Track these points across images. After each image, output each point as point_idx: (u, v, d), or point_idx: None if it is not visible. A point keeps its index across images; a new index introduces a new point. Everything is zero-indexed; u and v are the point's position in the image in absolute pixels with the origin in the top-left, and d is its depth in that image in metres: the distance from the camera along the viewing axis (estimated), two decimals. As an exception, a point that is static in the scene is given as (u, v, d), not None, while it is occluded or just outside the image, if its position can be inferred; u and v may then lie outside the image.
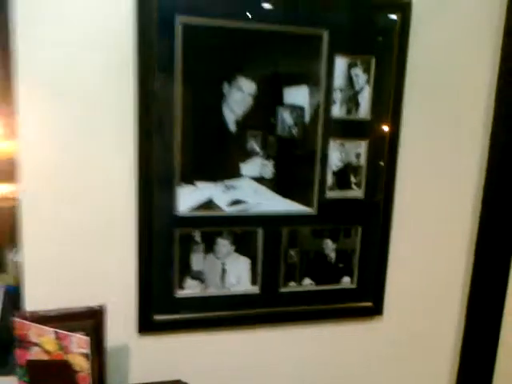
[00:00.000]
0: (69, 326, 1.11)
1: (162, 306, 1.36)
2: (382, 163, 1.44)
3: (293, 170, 1.38)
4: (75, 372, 1.08)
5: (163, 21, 1.22)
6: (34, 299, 1.25)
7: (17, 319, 1.10)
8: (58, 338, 1.07)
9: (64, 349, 1.08)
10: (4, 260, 1.49)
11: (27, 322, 1.08)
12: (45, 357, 1.09)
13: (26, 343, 1.10)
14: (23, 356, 1.11)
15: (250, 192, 1.36)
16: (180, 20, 1.23)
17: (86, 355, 1.07)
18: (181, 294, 1.37)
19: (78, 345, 1.06)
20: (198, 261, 1.36)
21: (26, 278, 1.26)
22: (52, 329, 1.07)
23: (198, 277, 1.38)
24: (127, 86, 1.24)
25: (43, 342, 1.08)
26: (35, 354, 1.09)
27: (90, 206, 1.27)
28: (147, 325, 1.36)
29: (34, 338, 1.09)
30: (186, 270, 1.36)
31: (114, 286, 1.32)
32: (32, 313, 1.12)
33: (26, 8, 1.15)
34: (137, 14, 1.21)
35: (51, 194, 1.24)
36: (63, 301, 1.23)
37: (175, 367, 1.41)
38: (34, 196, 1.23)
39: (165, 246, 1.33)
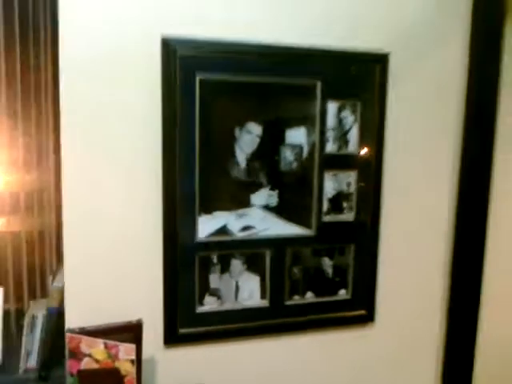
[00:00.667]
0: (112, 338, 1.31)
1: (185, 320, 1.56)
2: (369, 189, 1.68)
3: (294, 199, 1.61)
4: (122, 377, 1.28)
5: (184, 77, 1.46)
6: (75, 318, 1.44)
7: (69, 334, 1.29)
8: (107, 347, 1.27)
9: (112, 357, 1.27)
10: (45, 285, 1.67)
11: (79, 336, 1.28)
12: (95, 365, 1.28)
13: (77, 354, 1.29)
14: (75, 366, 1.30)
15: (258, 219, 1.58)
16: (198, 76, 1.47)
17: (132, 361, 1.27)
18: (201, 309, 1.57)
19: (125, 352, 1.26)
20: (215, 279, 1.58)
21: (67, 300, 1.45)
22: (102, 340, 1.26)
23: (216, 293, 1.58)
24: (155, 132, 1.46)
25: (94, 352, 1.27)
26: (86, 364, 1.28)
27: (122, 236, 1.48)
28: (173, 337, 1.55)
29: (85, 350, 1.28)
30: (205, 288, 1.57)
31: (143, 303, 1.52)
32: (82, 328, 1.31)
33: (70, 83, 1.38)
34: (162, 71, 1.44)
35: (90, 228, 1.44)
36: (100, 318, 1.42)
37: (198, 375, 1.60)
38: (75, 231, 1.43)
39: (187, 268, 1.54)
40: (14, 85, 1.65)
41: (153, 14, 1.44)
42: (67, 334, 1.29)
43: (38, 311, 1.51)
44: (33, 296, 1.73)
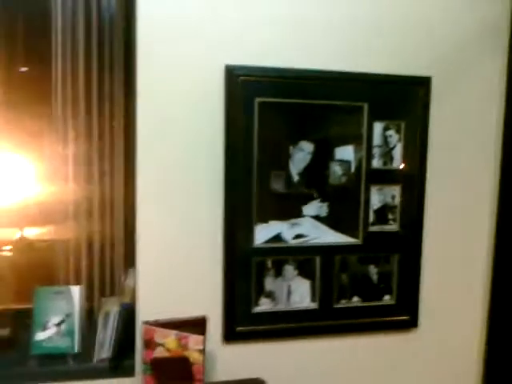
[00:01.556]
0: (181, 330, 1.48)
1: (242, 319, 1.72)
2: (412, 202, 1.81)
3: (342, 210, 1.76)
4: (192, 365, 1.44)
5: (245, 100, 1.64)
6: (145, 312, 1.62)
7: (145, 326, 1.46)
8: (178, 338, 1.44)
9: (183, 347, 1.44)
10: (114, 284, 1.87)
11: (154, 327, 1.45)
12: (167, 354, 1.45)
13: (151, 344, 1.46)
14: (149, 355, 1.47)
15: (309, 228, 1.74)
16: (257, 99, 1.65)
17: (200, 351, 1.43)
18: (256, 309, 1.73)
19: (194, 343, 1.43)
20: (269, 282, 1.73)
21: (139, 297, 1.63)
22: (175, 331, 1.43)
23: (270, 295, 1.74)
24: (218, 148, 1.65)
25: (166, 342, 1.44)
26: (159, 353, 1.45)
27: (188, 242, 1.66)
28: (231, 335, 1.71)
29: (158, 340, 1.45)
30: (260, 290, 1.72)
31: (204, 303, 1.68)
32: (156, 321, 1.49)
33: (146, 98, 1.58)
34: (225, 95, 1.63)
35: (160, 234, 1.63)
36: (167, 313, 1.59)
37: (253, 370, 1.74)
38: (147, 236, 1.62)
39: (244, 271, 1.70)
40: (90, 103, 1.87)
41: (216, 45, 1.63)
42: (143, 326, 1.47)
43: (111, 307, 1.69)
44: (102, 294, 1.92)
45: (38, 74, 1.95)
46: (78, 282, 1.88)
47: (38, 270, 2.00)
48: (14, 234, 2.02)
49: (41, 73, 1.92)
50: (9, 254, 2.03)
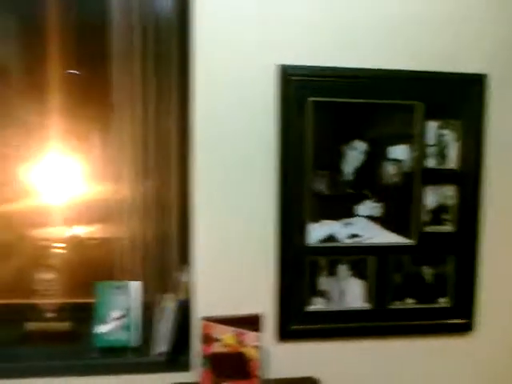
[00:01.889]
0: (238, 327, 1.51)
1: (295, 317, 1.73)
2: (468, 202, 1.78)
3: (396, 210, 1.75)
4: (248, 361, 1.47)
5: (297, 99, 1.66)
6: (201, 309, 1.66)
7: (204, 321, 1.50)
8: (236, 334, 1.47)
9: (240, 343, 1.47)
10: (172, 280, 1.92)
11: (212, 323, 1.49)
12: (225, 350, 1.48)
13: (209, 340, 1.50)
14: (207, 350, 1.51)
15: (363, 228, 1.74)
16: (310, 98, 1.67)
17: (256, 347, 1.46)
18: (310, 308, 1.74)
19: (251, 339, 1.45)
20: (322, 282, 1.74)
21: (196, 293, 1.68)
22: (232, 327, 1.46)
23: (323, 295, 1.74)
24: (272, 148, 1.68)
25: (224, 338, 1.48)
26: (217, 348, 1.49)
27: (243, 240, 1.69)
28: (285, 333, 1.73)
29: (216, 335, 1.49)
30: (314, 289, 1.74)
31: (258, 300, 1.71)
32: (213, 317, 1.52)
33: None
34: (280, 94, 1.65)
35: (215, 233, 1.67)
36: (222, 310, 1.63)
37: (307, 368, 1.76)
38: (203, 235, 1.66)
39: (298, 270, 1.72)
40: (148, 99, 1.92)
41: (268, 45, 1.66)
42: (202, 322, 1.50)
43: (167, 303, 1.74)
44: (156, 290, 1.96)
45: (92, 75, 2.03)
46: (131, 279, 1.93)
47: (91, 266, 2.07)
48: (66, 232, 2.10)
49: (96, 75, 2.00)
50: (62, 250, 2.11)
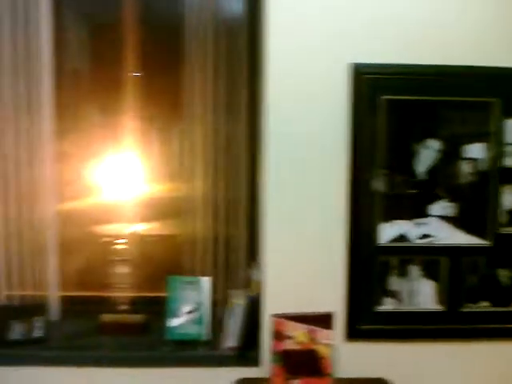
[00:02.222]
0: (309, 324, 1.51)
1: (365, 317, 1.72)
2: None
3: (471, 210, 1.70)
4: (320, 358, 1.47)
5: (370, 98, 1.65)
6: (271, 305, 1.68)
7: (275, 318, 1.52)
8: (308, 332, 1.48)
9: (312, 340, 1.47)
10: (241, 277, 1.96)
11: (284, 320, 1.50)
12: (297, 347, 1.49)
13: (281, 336, 1.51)
14: (278, 346, 1.52)
15: (435, 228, 1.70)
16: (383, 96, 1.65)
17: (328, 345, 1.46)
18: (380, 308, 1.72)
19: (324, 337, 1.45)
20: (393, 282, 1.72)
21: (267, 290, 1.70)
22: (305, 325, 1.47)
23: (393, 295, 1.72)
24: (342, 147, 1.67)
25: (297, 335, 1.49)
26: (289, 345, 1.50)
27: (313, 239, 1.69)
28: (354, 332, 1.72)
29: (288, 332, 1.50)
30: (384, 290, 1.72)
31: (327, 299, 1.71)
32: (285, 314, 1.54)
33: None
34: (352, 92, 1.65)
35: (287, 231, 1.69)
36: (291, 307, 1.63)
37: (374, 368, 1.74)
38: (274, 233, 1.68)
39: (368, 270, 1.70)
40: (218, 99, 1.96)
41: (340, 43, 1.66)
42: (273, 318, 1.52)
43: (238, 299, 1.77)
44: (225, 286, 2.00)
45: (164, 76, 2.08)
46: (200, 275, 1.97)
47: (161, 262, 2.13)
48: (136, 228, 2.16)
49: (167, 75, 2.05)
50: (130, 247, 2.17)
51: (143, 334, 1.87)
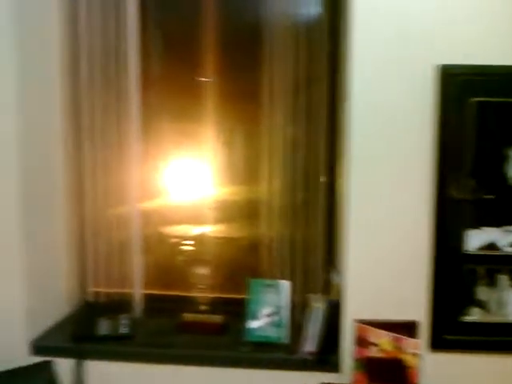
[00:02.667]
0: (393, 332, 1.48)
1: (450, 327, 1.66)
2: None
3: None
4: (406, 368, 1.44)
5: (459, 100, 1.60)
6: (352, 311, 1.66)
7: (359, 324, 1.50)
8: (393, 340, 1.45)
9: (398, 349, 1.44)
10: (319, 281, 1.95)
11: (368, 327, 1.48)
12: (381, 355, 1.47)
13: (364, 343, 1.50)
14: (361, 353, 1.50)
15: (528, 236, 1.62)
16: (473, 99, 1.59)
17: (415, 355, 1.42)
18: (466, 318, 1.66)
19: (410, 346, 1.42)
20: (480, 292, 1.65)
21: (348, 296, 1.68)
22: (390, 332, 1.45)
23: (480, 305, 1.66)
24: (426, 151, 1.63)
25: (381, 342, 1.46)
26: (373, 352, 1.48)
27: (396, 245, 1.66)
28: (438, 342, 1.67)
29: (372, 339, 1.48)
30: (470, 299, 1.65)
31: (410, 306, 1.66)
32: (368, 320, 1.52)
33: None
34: (441, 94, 1.60)
35: (369, 236, 1.66)
36: (372, 313, 1.61)
37: (458, 380, 1.68)
38: (356, 238, 1.66)
39: (454, 278, 1.65)
40: (299, 102, 1.96)
41: (426, 44, 1.61)
42: (356, 324, 1.51)
43: (317, 303, 1.77)
44: (303, 290, 1.99)
45: (244, 79, 2.12)
46: (278, 278, 1.98)
47: (240, 264, 2.16)
48: (194, 230, 2.20)
49: (247, 79, 2.08)
50: (192, 248, 2.21)
51: (222, 334, 1.90)
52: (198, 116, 2.11)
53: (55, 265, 1.98)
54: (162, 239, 2.21)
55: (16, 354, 1.76)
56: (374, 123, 1.65)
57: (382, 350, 1.47)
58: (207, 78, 2.11)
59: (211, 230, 2.16)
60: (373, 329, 1.48)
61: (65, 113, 2.01)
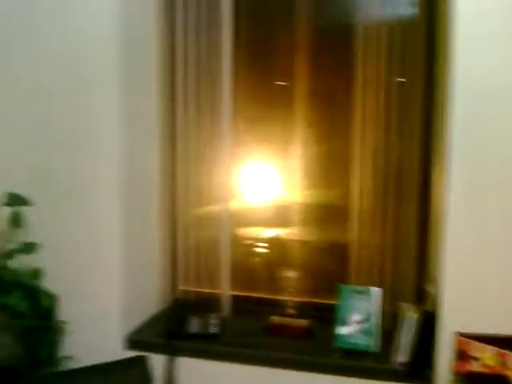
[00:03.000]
0: (497, 347, 1.40)
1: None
2: None
3: None
4: (512, 385, 1.35)
5: None
6: (450, 322, 1.58)
7: (460, 337, 1.43)
8: (498, 355, 1.37)
9: (503, 365, 1.36)
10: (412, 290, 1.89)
11: (470, 340, 1.41)
12: (484, 370, 1.39)
13: (465, 357, 1.42)
14: (462, 367, 1.43)
15: None
16: None
17: (525, 373, 1.34)
18: None
19: (518, 363, 1.34)
20: None
21: (445, 307, 1.60)
22: (493, 347, 1.37)
23: None
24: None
25: (484, 357, 1.39)
26: (474, 367, 1.40)
27: (500, 254, 1.56)
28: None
29: (474, 353, 1.40)
30: None
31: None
32: (470, 333, 1.44)
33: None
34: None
35: (470, 245, 1.58)
36: (471, 326, 1.52)
37: None
38: (454, 245, 1.59)
39: None
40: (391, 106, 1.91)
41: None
42: (458, 337, 1.43)
43: (411, 312, 1.70)
44: (393, 298, 1.93)
45: (334, 81, 2.09)
46: (367, 284, 1.94)
47: (326, 268, 2.13)
48: (280, 232, 2.19)
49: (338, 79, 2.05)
50: (266, 250, 2.21)
51: (309, 338, 1.88)
52: (287, 119, 2.11)
53: (149, 263, 2.06)
54: (246, 240, 2.23)
55: (111, 348, 1.84)
56: (479, 132, 1.56)
57: (485, 365, 1.39)
58: (296, 81, 2.10)
59: (297, 232, 2.15)
60: (475, 342, 1.40)
61: (160, 112, 2.08)
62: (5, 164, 1.87)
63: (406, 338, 1.69)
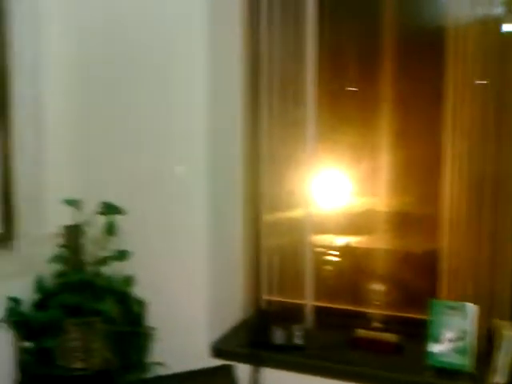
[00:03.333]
0: None
1: None
2: None
3: None
4: None
5: None
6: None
7: None
8: None
9: None
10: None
11: None
12: None
13: None
14: None
15: None
16: None
17: None
18: None
19: None
20: None
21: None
22: None
23: None
24: None
25: None
26: None
27: None
28: None
29: None
30: None
31: None
32: None
33: None
34: None
35: None
36: None
37: None
38: None
39: None
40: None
41: None
42: None
43: (509, 331, 1.59)
44: (489, 315, 1.81)
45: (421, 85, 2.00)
46: (458, 299, 1.83)
47: (399, 279, 2.04)
48: (336, 240, 2.13)
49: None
50: (337, 258, 2.14)
51: (397, 354, 1.81)
52: (372, 124, 2.05)
53: (233, 272, 2.07)
54: (328, 249, 2.18)
55: (198, 355, 1.87)
56: None
57: None
58: (381, 86, 2.03)
59: (383, 241, 2.07)
60: None
61: (243, 112, 2.08)
62: (101, 176, 1.97)
63: (504, 357, 1.58)
